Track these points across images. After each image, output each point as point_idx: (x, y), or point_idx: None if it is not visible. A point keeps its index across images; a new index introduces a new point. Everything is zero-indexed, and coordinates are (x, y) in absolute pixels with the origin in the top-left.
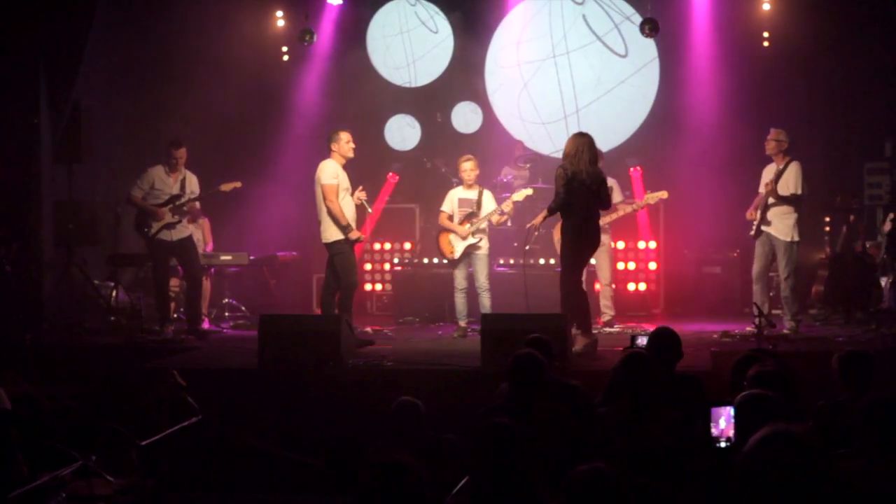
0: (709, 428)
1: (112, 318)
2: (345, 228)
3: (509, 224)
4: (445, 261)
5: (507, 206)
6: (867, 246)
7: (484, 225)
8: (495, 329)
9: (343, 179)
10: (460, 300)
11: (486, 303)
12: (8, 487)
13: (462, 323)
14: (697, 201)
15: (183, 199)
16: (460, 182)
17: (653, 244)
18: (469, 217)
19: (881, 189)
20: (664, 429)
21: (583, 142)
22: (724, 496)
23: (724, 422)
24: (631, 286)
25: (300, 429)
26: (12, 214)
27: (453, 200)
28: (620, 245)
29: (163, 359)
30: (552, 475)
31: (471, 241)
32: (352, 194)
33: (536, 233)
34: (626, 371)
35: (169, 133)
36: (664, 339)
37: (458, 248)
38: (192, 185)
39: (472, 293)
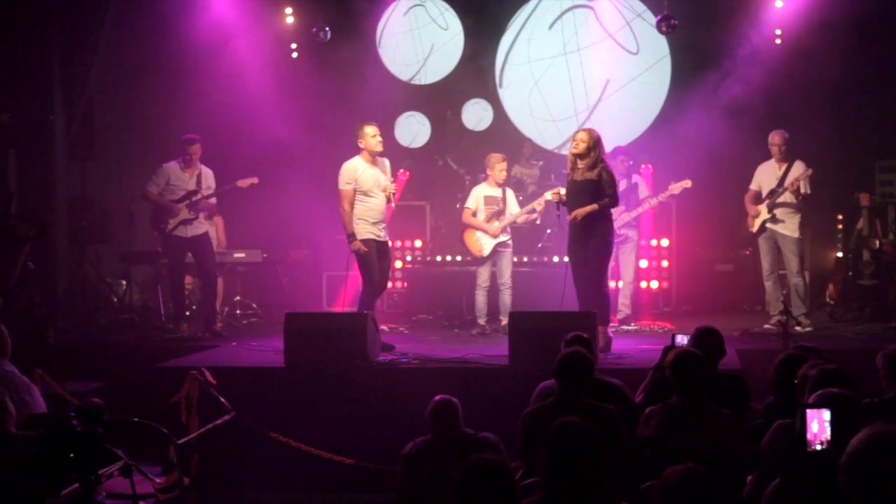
0: (805, 430)
1: (125, 316)
2: (349, 236)
3: (538, 222)
4: (464, 258)
5: (539, 205)
6: (882, 243)
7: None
8: (524, 327)
9: (369, 178)
10: (481, 298)
11: (507, 300)
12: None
13: (481, 321)
14: (709, 199)
15: (199, 195)
16: (485, 179)
17: (665, 242)
18: (496, 215)
19: (893, 186)
20: (720, 427)
21: (600, 139)
22: (824, 500)
23: (816, 424)
24: (643, 283)
25: (329, 426)
26: (34, 212)
27: (479, 198)
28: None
29: (184, 357)
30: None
31: (501, 238)
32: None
33: (549, 231)
34: (679, 370)
35: (180, 130)
36: (709, 338)
37: (488, 246)
38: (209, 180)
39: (490, 291)
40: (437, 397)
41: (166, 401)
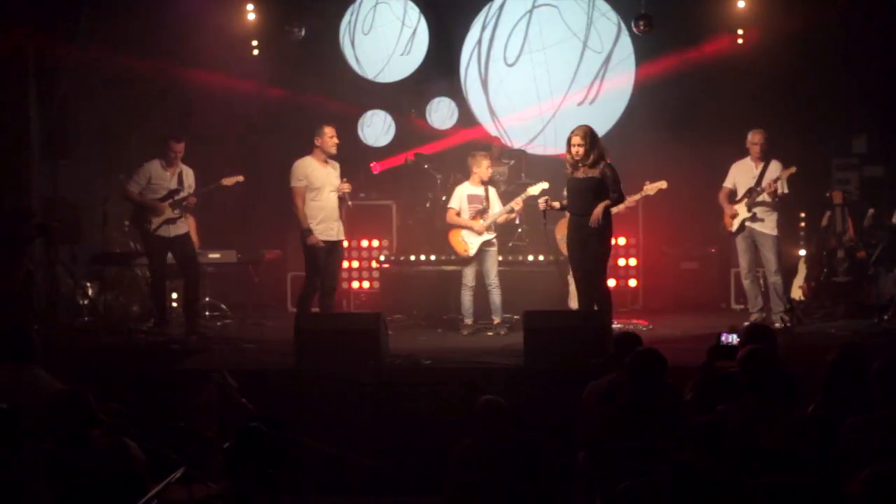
0: None
1: (93, 319)
2: (303, 231)
3: (518, 221)
4: (438, 257)
5: (517, 204)
6: (853, 239)
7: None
8: (538, 326)
9: (319, 177)
10: (467, 298)
11: (496, 300)
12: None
13: (468, 321)
14: (675, 197)
15: (182, 194)
16: (466, 178)
17: (632, 240)
18: (480, 213)
19: (850, 185)
20: (795, 426)
21: (594, 134)
22: None
23: None
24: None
25: (345, 428)
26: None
27: (462, 197)
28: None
29: (185, 360)
30: None
31: (486, 237)
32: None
33: (520, 230)
34: (754, 367)
35: (155, 129)
36: (763, 335)
37: (474, 245)
38: (189, 178)
39: (476, 291)
40: (485, 398)
41: (185, 404)
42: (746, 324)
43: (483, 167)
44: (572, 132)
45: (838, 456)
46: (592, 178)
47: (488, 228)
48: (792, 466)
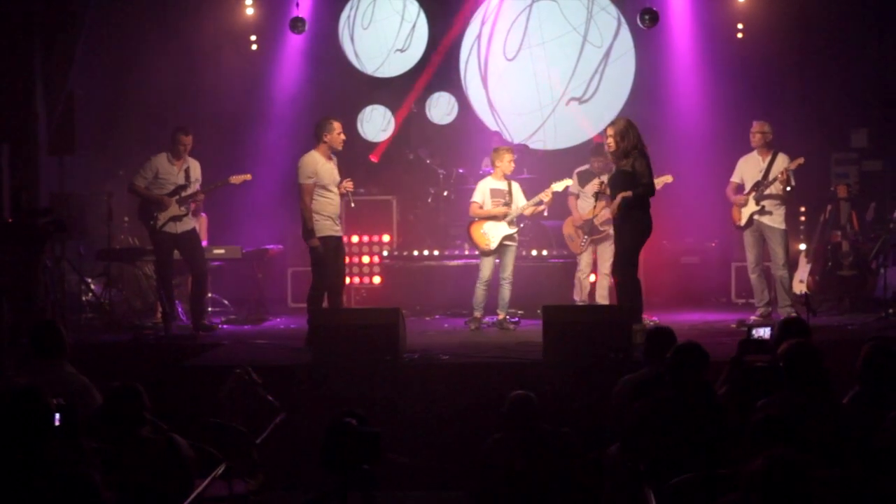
0: None
1: (90, 315)
2: (308, 231)
3: (546, 214)
4: (441, 252)
5: (546, 196)
6: (857, 233)
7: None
8: (557, 321)
9: (326, 173)
10: (481, 292)
11: (506, 294)
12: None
13: (477, 314)
14: (675, 193)
15: (189, 190)
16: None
17: None
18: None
19: (849, 179)
20: (842, 421)
21: (628, 127)
22: None
23: None
24: None
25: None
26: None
27: (485, 191)
28: None
29: (192, 356)
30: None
31: (508, 231)
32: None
33: (521, 225)
34: (798, 362)
35: (159, 124)
36: (800, 330)
37: (495, 239)
38: (196, 172)
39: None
40: (515, 393)
41: (208, 401)
42: (753, 317)
43: (505, 161)
44: (609, 124)
45: (883, 448)
46: (622, 171)
47: (511, 223)
48: (835, 460)
